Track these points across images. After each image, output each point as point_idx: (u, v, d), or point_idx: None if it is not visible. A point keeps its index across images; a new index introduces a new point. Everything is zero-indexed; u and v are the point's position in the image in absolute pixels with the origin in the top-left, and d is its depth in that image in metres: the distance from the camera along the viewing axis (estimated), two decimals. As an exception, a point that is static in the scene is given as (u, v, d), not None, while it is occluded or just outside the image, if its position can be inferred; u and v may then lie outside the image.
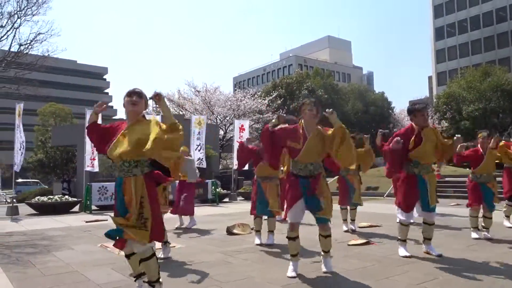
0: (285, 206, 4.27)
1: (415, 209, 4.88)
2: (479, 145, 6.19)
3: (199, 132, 14.00)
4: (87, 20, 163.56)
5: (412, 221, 4.96)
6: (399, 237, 5.00)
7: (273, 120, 4.38)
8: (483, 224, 6.02)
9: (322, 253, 4.28)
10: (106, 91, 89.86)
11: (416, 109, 4.79)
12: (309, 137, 4.00)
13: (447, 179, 16.39)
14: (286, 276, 4.01)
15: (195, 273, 4.28)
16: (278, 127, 4.22)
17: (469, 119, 34.16)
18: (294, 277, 3.98)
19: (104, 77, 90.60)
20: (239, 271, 4.35)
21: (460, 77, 37.98)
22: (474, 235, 6.03)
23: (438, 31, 60.63)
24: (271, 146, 4.23)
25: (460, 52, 57.79)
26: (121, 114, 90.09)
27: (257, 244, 5.79)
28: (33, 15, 14.19)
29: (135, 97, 3.31)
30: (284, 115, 4.71)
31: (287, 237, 4.10)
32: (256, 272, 4.28)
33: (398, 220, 4.95)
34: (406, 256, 4.83)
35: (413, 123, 4.86)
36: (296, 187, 4.05)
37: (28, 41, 14.11)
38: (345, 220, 7.15)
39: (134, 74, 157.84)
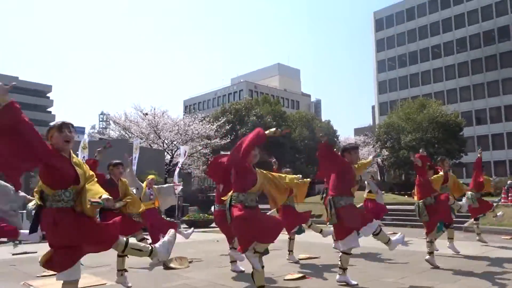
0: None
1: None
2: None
3: (134, 157, 13.71)
4: (32, 35, 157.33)
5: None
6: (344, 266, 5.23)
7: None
8: None
9: None
10: (49, 110, 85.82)
11: (352, 147, 5.54)
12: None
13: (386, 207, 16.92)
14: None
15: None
16: None
17: (407, 148, 36.17)
18: None
19: (48, 95, 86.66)
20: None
21: (399, 108, 40.32)
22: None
23: (380, 64, 64.40)
24: None
25: (400, 84, 61.58)
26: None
27: None
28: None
29: (69, 132, 2.95)
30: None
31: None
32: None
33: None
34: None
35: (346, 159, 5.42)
36: None
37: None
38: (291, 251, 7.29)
39: (80, 94, 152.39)
